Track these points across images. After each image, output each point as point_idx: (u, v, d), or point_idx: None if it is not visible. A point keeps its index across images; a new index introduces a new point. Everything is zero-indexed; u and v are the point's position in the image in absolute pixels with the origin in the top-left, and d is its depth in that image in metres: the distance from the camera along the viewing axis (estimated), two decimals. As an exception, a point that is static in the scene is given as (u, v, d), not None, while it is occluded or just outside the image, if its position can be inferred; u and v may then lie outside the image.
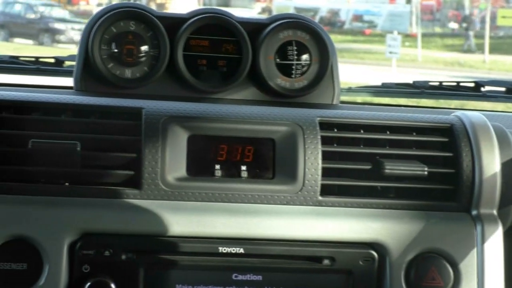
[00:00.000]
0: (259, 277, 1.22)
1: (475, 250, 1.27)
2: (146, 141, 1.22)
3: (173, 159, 1.23)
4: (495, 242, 1.28)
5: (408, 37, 19.64)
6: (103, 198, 1.21)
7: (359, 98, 1.98)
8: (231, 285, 1.22)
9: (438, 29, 23.70)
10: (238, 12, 1.46)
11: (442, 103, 2.35)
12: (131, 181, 1.22)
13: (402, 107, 1.62)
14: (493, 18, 19.80)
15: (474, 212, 1.30)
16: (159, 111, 1.26)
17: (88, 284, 1.16)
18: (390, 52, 12.67)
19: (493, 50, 17.02)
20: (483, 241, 1.27)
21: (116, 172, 1.22)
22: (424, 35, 19.00)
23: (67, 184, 1.22)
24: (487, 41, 16.89)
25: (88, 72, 1.40)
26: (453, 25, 23.90)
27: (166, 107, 1.27)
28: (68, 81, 1.50)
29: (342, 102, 1.54)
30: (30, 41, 17.01)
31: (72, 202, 1.20)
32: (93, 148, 1.22)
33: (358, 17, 23.71)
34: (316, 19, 13.42)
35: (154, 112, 1.25)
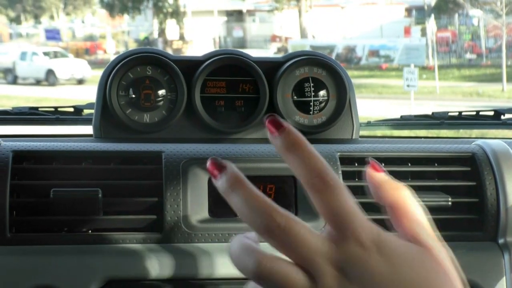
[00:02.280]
0: None
1: (504, 279, 1.25)
2: (167, 185, 1.22)
3: (194, 201, 1.23)
4: (524, 270, 1.26)
5: (425, 69, 19.68)
6: (126, 244, 1.21)
7: (378, 132, 1.97)
8: None
9: (454, 60, 23.72)
10: (254, 53, 1.45)
11: (462, 133, 2.34)
12: (153, 225, 1.22)
13: (422, 139, 1.62)
14: (509, 46, 19.78)
15: (501, 241, 1.28)
16: (179, 153, 1.26)
17: None
18: (408, 86, 12.65)
19: (511, 79, 16.97)
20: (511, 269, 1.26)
21: (138, 217, 1.22)
22: (441, 67, 19.03)
23: (90, 231, 1.22)
24: (504, 70, 16.85)
25: (107, 118, 1.41)
26: (470, 56, 23.91)
27: (186, 150, 1.27)
28: (88, 129, 1.51)
29: (362, 137, 1.54)
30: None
31: (96, 250, 1.20)
32: (115, 194, 1.22)
33: (374, 52, 23.81)
34: (333, 56, 13.48)
35: (174, 155, 1.26)
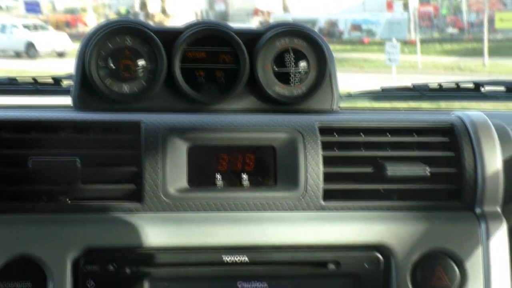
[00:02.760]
0: (264, 285, 1.22)
1: (480, 248, 1.27)
2: (146, 154, 1.22)
3: (173, 171, 1.23)
4: (500, 239, 1.27)
5: (407, 44, 19.66)
6: (105, 213, 1.21)
7: (359, 104, 1.97)
8: None
9: (436, 35, 23.73)
10: (236, 26, 1.45)
11: (443, 106, 2.35)
12: (132, 194, 1.22)
13: (402, 110, 1.62)
14: (491, 21, 19.82)
15: (478, 210, 1.30)
16: (158, 124, 1.26)
17: None
18: (390, 60, 12.68)
19: (492, 53, 17.01)
20: (488, 238, 1.27)
21: (117, 187, 1.22)
22: (423, 41, 19.03)
23: (68, 201, 1.22)
24: (486, 44, 16.89)
25: (86, 89, 1.40)
26: (452, 30, 23.93)
27: (165, 120, 1.27)
28: (67, 100, 1.50)
29: (342, 108, 1.54)
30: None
31: (74, 219, 1.20)
32: (93, 164, 1.22)
33: (356, 27, 23.78)
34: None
35: (153, 125, 1.25)
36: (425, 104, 2.31)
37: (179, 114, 1.30)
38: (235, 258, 1.21)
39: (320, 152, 1.27)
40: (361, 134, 1.32)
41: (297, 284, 1.23)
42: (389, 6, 25.77)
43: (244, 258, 1.21)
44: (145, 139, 1.23)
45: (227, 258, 1.21)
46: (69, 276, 1.17)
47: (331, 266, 1.23)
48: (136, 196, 1.22)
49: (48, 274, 1.17)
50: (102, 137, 1.25)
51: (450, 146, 1.32)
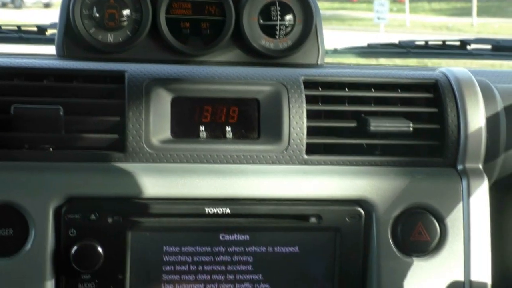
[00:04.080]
0: (246, 237, 1.23)
1: (461, 204, 1.28)
2: (129, 104, 1.22)
3: (157, 122, 1.23)
4: (481, 196, 1.28)
5: (396, 2, 19.59)
6: (88, 162, 1.21)
7: (345, 60, 1.97)
8: (218, 245, 1.22)
9: (425, -6, 23.62)
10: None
11: (429, 64, 2.35)
12: (115, 144, 1.22)
13: (388, 66, 1.62)
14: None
15: (459, 167, 1.30)
16: (142, 74, 1.25)
17: (75, 248, 1.16)
18: (378, 18, 12.64)
19: (481, 13, 16.98)
20: (469, 195, 1.28)
21: (100, 136, 1.22)
22: (412, 0, 18.94)
23: (51, 149, 1.21)
24: (474, 4, 16.85)
25: (70, 38, 1.39)
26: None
27: (149, 70, 1.26)
28: (51, 49, 1.48)
29: (327, 63, 1.54)
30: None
31: (57, 167, 1.20)
32: (76, 113, 1.21)
33: (345, -16, 23.62)
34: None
35: (137, 75, 1.25)
36: (411, 62, 2.31)
37: (163, 65, 1.29)
38: (218, 210, 1.21)
39: (304, 106, 1.27)
40: (346, 88, 1.32)
41: (278, 236, 1.24)
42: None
43: (226, 210, 1.22)
44: (128, 89, 1.23)
45: (209, 210, 1.21)
46: (51, 224, 1.17)
47: (313, 220, 1.24)
48: (119, 146, 1.22)
49: (30, 222, 1.17)
50: (85, 86, 1.25)
51: (433, 102, 1.32)
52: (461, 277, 1.27)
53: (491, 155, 1.33)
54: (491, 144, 1.32)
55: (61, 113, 1.19)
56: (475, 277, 1.27)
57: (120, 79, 1.25)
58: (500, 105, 1.35)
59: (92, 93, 1.24)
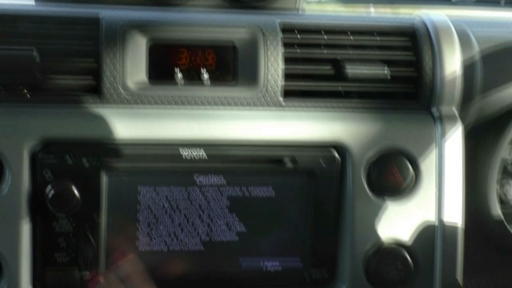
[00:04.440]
0: (222, 180, 1.24)
1: (435, 148, 1.29)
2: (105, 48, 1.22)
3: (133, 66, 1.23)
4: (455, 140, 1.29)
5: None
6: (64, 106, 1.21)
7: (324, 6, 1.96)
8: (194, 188, 1.23)
9: None
10: None
11: (410, 11, 2.33)
12: (91, 88, 1.22)
13: (366, 14, 1.61)
14: None
15: (434, 111, 1.31)
16: (117, 17, 1.25)
17: (51, 190, 1.17)
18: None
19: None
20: (443, 139, 1.29)
21: (75, 79, 1.22)
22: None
23: (26, 92, 1.21)
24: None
25: None
26: None
27: (125, 14, 1.26)
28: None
29: (306, 10, 1.53)
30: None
31: (33, 110, 1.20)
32: (52, 56, 1.21)
33: None
34: None
35: (113, 19, 1.24)
36: (391, 9, 2.29)
37: (139, 9, 1.29)
38: (193, 153, 1.22)
39: (281, 51, 1.27)
40: (323, 33, 1.32)
41: (254, 179, 1.25)
42: None
43: (202, 153, 1.22)
44: (104, 33, 1.22)
45: (185, 153, 1.22)
46: (26, 166, 1.18)
47: (288, 163, 1.25)
48: (95, 89, 1.22)
49: (5, 164, 1.17)
50: (60, 30, 1.24)
51: (410, 47, 1.33)
52: (433, 219, 1.29)
53: (466, 100, 1.33)
54: (466, 89, 1.33)
55: (36, 56, 1.18)
56: (447, 218, 1.28)
57: (95, 22, 1.24)
58: (476, 50, 1.36)
59: (67, 37, 1.23)
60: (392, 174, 1.27)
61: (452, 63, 1.31)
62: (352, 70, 1.28)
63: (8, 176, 1.17)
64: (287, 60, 1.27)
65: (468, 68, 1.34)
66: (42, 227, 1.20)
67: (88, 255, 1.21)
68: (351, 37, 1.32)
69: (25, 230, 1.19)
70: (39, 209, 1.19)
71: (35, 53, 1.18)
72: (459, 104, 1.32)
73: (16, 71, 1.18)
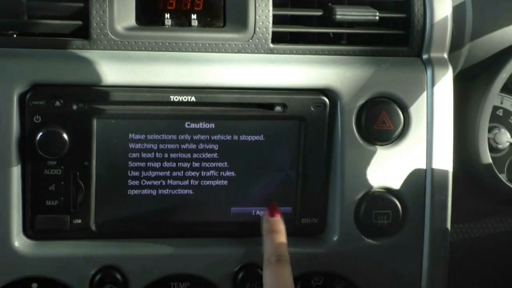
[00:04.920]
0: (212, 125, 1.23)
1: (425, 93, 1.28)
2: None
3: (121, 9, 1.22)
4: (445, 85, 1.29)
5: None
6: (52, 49, 1.20)
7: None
8: (184, 134, 1.23)
9: None
10: None
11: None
12: (79, 31, 1.21)
13: None
14: None
15: (425, 56, 1.31)
16: None
17: (40, 134, 1.17)
18: None
19: None
20: (433, 84, 1.28)
21: (64, 23, 1.21)
22: None
23: (14, 35, 1.20)
24: None
25: None
26: None
27: None
28: None
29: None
30: None
31: (21, 53, 1.19)
32: None
33: None
34: None
35: None
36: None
37: None
38: (183, 97, 1.22)
39: None
40: None
41: (243, 125, 1.24)
42: None
43: (192, 98, 1.22)
44: None
45: (174, 98, 1.21)
46: (15, 110, 1.17)
47: (278, 108, 1.24)
48: (83, 32, 1.21)
49: None
50: None
51: None
52: (423, 165, 1.29)
53: (456, 44, 1.33)
54: (457, 34, 1.33)
55: None
56: (436, 164, 1.29)
57: None
58: None
59: None
60: (382, 121, 1.27)
61: (443, 7, 1.30)
62: (341, 13, 1.27)
63: None
64: (277, 3, 1.26)
65: (459, 12, 1.33)
66: (32, 172, 1.20)
67: (79, 201, 1.21)
68: None
69: (15, 175, 1.18)
70: (28, 153, 1.18)
71: None
72: (449, 49, 1.32)
73: (4, 14, 1.18)
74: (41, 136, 1.17)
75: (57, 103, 1.18)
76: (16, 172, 1.19)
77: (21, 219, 1.21)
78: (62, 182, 1.21)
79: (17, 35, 1.20)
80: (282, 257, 1.18)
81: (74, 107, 1.19)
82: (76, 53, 1.20)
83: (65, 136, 1.18)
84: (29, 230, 1.22)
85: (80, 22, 1.21)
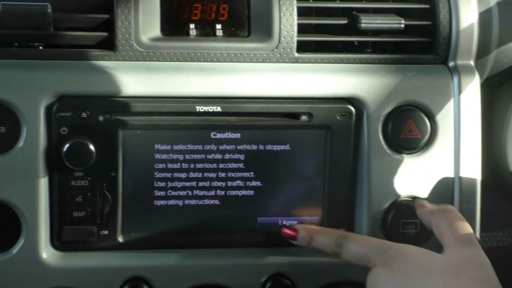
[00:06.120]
0: (238, 135, 1.23)
1: (452, 101, 1.27)
2: (118, 2, 1.21)
3: (146, 19, 1.22)
4: (472, 92, 1.28)
5: None
6: (78, 60, 1.21)
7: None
8: (210, 144, 1.23)
9: None
10: None
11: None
12: (105, 42, 1.22)
13: None
14: None
15: (451, 64, 1.30)
16: None
17: (67, 145, 1.17)
18: None
19: None
20: (460, 92, 1.27)
21: (89, 34, 1.21)
22: None
23: (41, 47, 1.21)
24: None
25: None
26: None
27: None
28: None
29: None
30: None
31: (47, 65, 1.19)
32: (65, 10, 1.21)
33: None
34: None
35: None
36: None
37: None
38: (208, 108, 1.22)
39: (295, 3, 1.25)
40: None
41: (269, 134, 1.24)
42: None
43: (217, 108, 1.22)
44: None
45: (200, 108, 1.22)
46: (42, 121, 1.18)
47: (303, 117, 1.24)
48: (109, 44, 1.22)
49: (21, 120, 1.17)
50: None
51: None
52: (451, 173, 1.28)
53: (483, 51, 1.32)
54: (483, 40, 1.31)
55: (49, 10, 1.18)
56: (464, 173, 1.27)
57: None
58: (493, 0, 1.34)
59: None
60: (408, 129, 1.26)
61: (469, 13, 1.29)
62: (366, 22, 1.26)
63: (24, 131, 1.17)
64: (301, 12, 1.26)
65: (485, 19, 1.32)
66: (59, 183, 1.20)
67: (105, 212, 1.22)
68: None
69: (42, 186, 1.19)
70: (55, 165, 1.19)
71: (49, 9, 1.18)
72: (475, 56, 1.31)
73: (30, 26, 1.18)
74: (68, 147, 1.17)
75: (84, 115, 1.19)
76: (43, 183, 1.19)
77: (49, 230, 1.21)
78: (89, 193, 1.21)
79: (43, 47, 1.21)
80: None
81: (100, 118, 1.19)
82: (101, 64, 1.21)
83: (91, 147, 1.18)
84: (56, 241, 1.22)
85: (105, 34, 1.21)
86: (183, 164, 1.23)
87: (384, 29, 1.28)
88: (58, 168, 1.19)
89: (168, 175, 1.23)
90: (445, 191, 1.29)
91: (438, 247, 1.18)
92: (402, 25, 1.28)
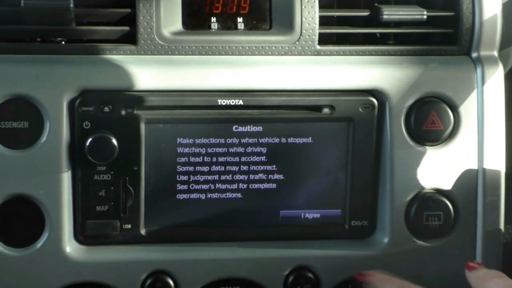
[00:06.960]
0: (260, 128, 1.23)
1: (475, 92, 1.26)
2: None
3: (168, 14, 1.22)
4: (495, 83, 1.27)
5: None
6: (100, 55, 1.21)
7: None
8: (232, 137, 1.23)
9: None
10: None
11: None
12: (127, 36, 1.22)
13: None
14: None
15: (474, 55, 1.29)
16: None
17: (90, 139, 1.17)
18: None
19: None
20: (483, 83, 1.26)
21: (111, 29, 1.22)
22: None
23: (63, 42, 1.22)
24: None
25: None
26: None
27: None
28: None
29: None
30: None
31: (70, 60, 1.20)
32: (87, 5, 1.21)
33: None
34: None
35: None
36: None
37: None
38: (230, 101, 1.22)
39: None
40: None
41: (291, 127, 1.24)
42: None
43: (239, 102, 1.22)
44: None
45: (222, 101, 1.21)
46: (65, 116, 1.18)
47: (326, 110, 1.24)
48: (131, 38, 1.22)
49: (44, 114, 1.18)
50: None
51: None
52: (474, 165, 1.27)
53: (506, 42, 1.31)
54: (507, 31, 1.30)
55: (71, 5, 1.18)
56: (488, 165, 1.27)
57: None
58: None
59: None
60: (431, 121, 1.26)
61: (492, 4, 1.28)
62: (388, 13, 1.26)
63: (47, 126, 1.18)
64: (323, 4, 1.26)
65: (509, 9, 1.31)
66: (82, 178, 1.20)
67: (128, 206, 1.22)
68: None
69: (66, 180, 1.19)
70: (78, 159, 1.19)
71: (71, 4, 1.18)
72: (499, 47, 1.30)
73: (53, 21, 1.19)
74: (90, 141, 1.17)
75: (106, 109, 1.19)
76: (66, 178, 1.20)
77: (72, 225, 1.22)
78: (112, 187, 1.21)
79: (65, 42, 1.22)
80: None
81: (123, 112, 1.19)
82: (123, 58, 1.21)
83: (114, 141, 1.18)
84: (80, 235, 1.23)
85: (127, 28, 1.22)
86: (205, 157, 1.23)
87: (406, 20, 1.27)
88: (81, 162, 1.20)
89: (190, 168, 1.23)
90: (468, 183, 1.28)
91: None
92: (425, 16, 1.27)
